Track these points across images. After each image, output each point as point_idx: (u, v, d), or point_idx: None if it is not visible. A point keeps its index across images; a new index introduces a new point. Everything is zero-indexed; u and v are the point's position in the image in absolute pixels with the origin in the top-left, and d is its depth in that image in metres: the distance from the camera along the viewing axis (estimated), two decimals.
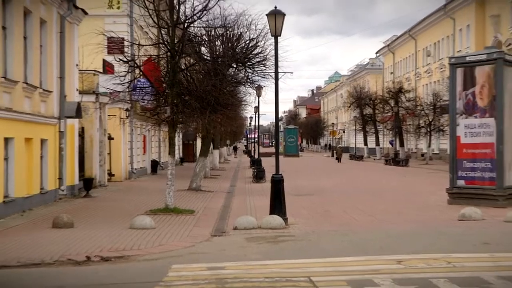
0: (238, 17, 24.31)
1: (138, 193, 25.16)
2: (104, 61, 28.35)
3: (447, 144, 25.26)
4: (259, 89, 33.13)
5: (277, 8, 16.62)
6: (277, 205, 15.98)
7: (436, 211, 18.41)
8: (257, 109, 49.10)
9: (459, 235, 13.46)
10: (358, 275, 9.18)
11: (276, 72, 17.55)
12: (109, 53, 26.85)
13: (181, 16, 18.62)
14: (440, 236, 13.29)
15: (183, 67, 19.74)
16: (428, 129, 52.84)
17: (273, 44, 17.22)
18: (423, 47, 62.16)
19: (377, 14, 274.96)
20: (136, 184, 30.36)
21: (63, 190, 22.03)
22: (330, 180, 33.10)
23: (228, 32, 23.76)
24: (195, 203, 21.01)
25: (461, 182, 19.97)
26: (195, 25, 19.97)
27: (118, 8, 32.47)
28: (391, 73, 58.54)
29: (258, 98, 36.37)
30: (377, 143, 68.78)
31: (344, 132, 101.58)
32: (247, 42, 24.52)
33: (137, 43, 22.00)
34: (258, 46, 24.63)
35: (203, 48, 23.62)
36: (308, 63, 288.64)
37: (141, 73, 19.41)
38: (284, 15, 16.70)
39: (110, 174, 30.03)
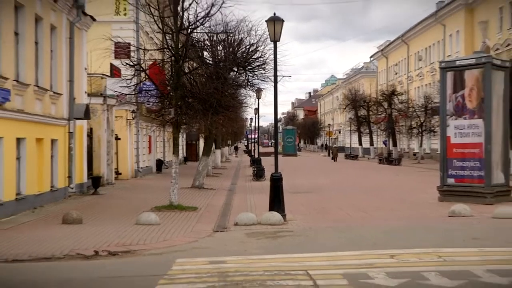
0: (239, 23, 24.32)
1: (144, 190, 25.15)
2: (111, 65, 28.34)
3: (438, 144, 25.20)
4: (259, 91, 33.11)
5: (276, 14, 16.63)
6: (276, 202, 15.97)
7: (427, 208, 18.40)
8: (257, 110, 49.05)
9: (449, 230, 13.45)
10: (353, 268, 9.18)
11: (275, 76, 17.55)
12: (116, 57, 26.84)
13: (184, 22, 18.62)
14: (431, 232, 13.28)
15: (186, 71, 19.72)
16: (420, 130, 52.79)
17: (272, 49, 17.22)
18: (415, 51, 62.11)
19: (371, 21, 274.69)
20: (142, 182, 30.35)
21: (72, 188, 22.02)
22: (327, 179, 33.07)
23: (229, 37, 23.74)
24: (198, 200, 21.00)
25: (451, 180, 19.96)
26: (198, 31, 19.99)
27: (125, 14, 32.47)
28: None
29: (258, 100, 36.38)
30: (371, 143, 68.72)
31: (339, 132, 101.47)
32: (248, 47, 24.50)
33: (142, 48, 22.02)
34: (258, 50, 24.62)
35: (205, 53, 23.59)
36: (306, 67, 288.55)
37: (146, 76, 19.41)
38: (282, 21, 16.69)
39: (117, 173, 30.01)
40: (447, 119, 20.20)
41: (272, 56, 18.59)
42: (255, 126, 62.13)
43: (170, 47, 18.48)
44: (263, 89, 32.87)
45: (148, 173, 36.53)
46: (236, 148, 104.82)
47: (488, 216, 15.72)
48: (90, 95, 25.52)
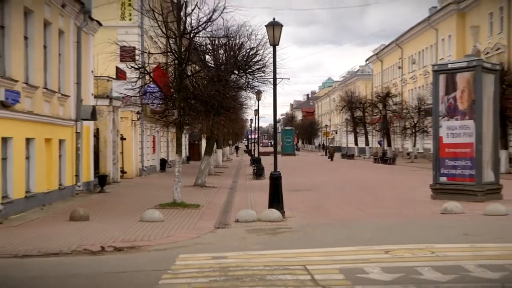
0: (239, 28, 24.33)
1: (148, 188, 25.13)
2: (117, 68, 28.34)
3: (431, 144, 25.21)
4: (258, 93, 33.06)
5: (275, 19, 16.60)
6: (275, 200, 15.96)
7: (420, 205, 18.38)
8: (257, 112, 49.01)
9: (442, 227, 13.45)
10: (349, 263, 9.17)
11: (274, 78, 17.54)
12: (121, 60, 26.86)
13: (187, 27, 18.61)
14: (424, 228, 13.28)
15: (189, 74, 19.72)
16: (413, 130, 52.77)
17: (272, 52, 17.22)
18: (409, 55, 62.07)
19: (367, 26, 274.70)
20: (146, 180, 30.34)
21: (79, 186, 22.01)
22: (324, 177, 33.06)
23: (230, 41, 23.72)
24: (200, 198, 20.99)
25: (443, 179, 19.96)
26: (200, 35, 19.92)
27: (130, 19, 32.46)
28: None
29: (258, 102, 36.32)
30: (367, 143, 68.73)
31: (336, 133, 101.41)
32: (248, 50, 24.49)
33: (147, 51, 21.97)
34: (258, 54, 24.62)
35: (207, 56, 23.61)
36: (304, 70, 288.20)
37: (151, 79, 19.39)
38: (281, 26, 16.66)
39: (123, 172, 30.00)
40: (439, 120, 20.20)
41: (271, 60, 18.64)
42: (255, 126, 62.18)
43: (173, 51, 18.48)
44: (263, 91, 32.83)
45: (152, 172, 36.53)
46: (237, 148, 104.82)
47: (479, 213, 15.72)
48: (96, 97, 25.51)
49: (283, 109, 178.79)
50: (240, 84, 26.27)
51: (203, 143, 46.51)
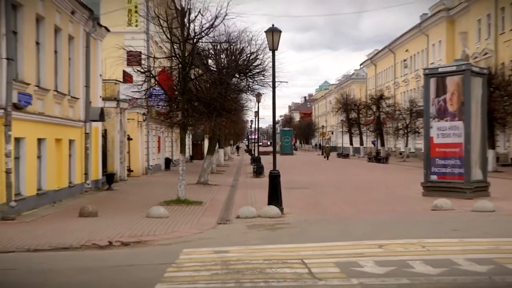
0: (240, 34, 24.32)
1: (154, 186, 25.12)
2: (124, 71, 28.33)
3: (422, 144, 25.23)
4: (258, 96, 33.10)
5: (274, 26, 16.63)
6: (274, 197, 15.97)
7: (412, 202, 18.37)
8: (257, 113, 49.09)
9: (432, 223, 13.44)
10: (345, 257, 9.16)
11: (274, 81, 17.54)
12: (128, 65, 26.80)
13: (191, 33, 18.58)
14: (416, 224, 13.28)
15: (192, 77, 19.69)
16: (406, 131, 52.79)
17: (271, 57, 17.23)
18: (401, 59, 62.11)
19: (362, 32, 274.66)
20: (152, 178, 30.33)
21: (88, 184, 22.00)
22: (321, 175, 33.05)
23: (231, 46, 23.71)
24: (203, 195, 20.97)
25: (434, 177, 19.95)
26: (203, 41, 19.94)
27: (136, 26, 32.46)
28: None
29: (258, 104, 36.41)
30: (361, 143, 68.72)
31: (332, 133, 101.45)
32: (248, 55, 24.48)
33: (152, 56, 21.99)
34: (258, 58, 24.60)
35: (210, 61, 23.58)
36: (302, 73, 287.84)
37: (156, 82, 19.38)
38: (280, 32, 16.68)
39: (129, 170, 29.99)
40: (430, 121, 20.20)
41: (270, 64, 18.64)
42: (255, 127, 62.16)
43: (177, 56, 18.46)
44: (263, 93, 32.90)
45: (157, 170, 36.51)
46: (237, 148, 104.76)
47: (468, 209, 15.71)
48: (104, 99, 25.50)
49: (282, 111, 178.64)
50: (241, 87, 26.25)
51: (206, 143, 46.54)
